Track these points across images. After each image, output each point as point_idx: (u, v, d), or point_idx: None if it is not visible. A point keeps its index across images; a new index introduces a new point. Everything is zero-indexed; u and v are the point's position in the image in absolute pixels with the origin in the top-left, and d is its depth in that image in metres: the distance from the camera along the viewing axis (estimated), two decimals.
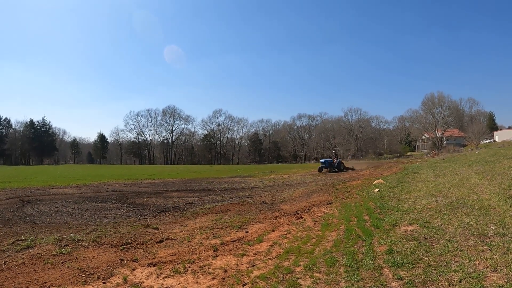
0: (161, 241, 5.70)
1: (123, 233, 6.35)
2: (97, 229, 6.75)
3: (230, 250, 5.04)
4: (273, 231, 6.27)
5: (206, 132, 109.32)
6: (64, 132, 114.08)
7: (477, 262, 3.71)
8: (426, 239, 4.81)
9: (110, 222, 7.60)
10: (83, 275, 4.03)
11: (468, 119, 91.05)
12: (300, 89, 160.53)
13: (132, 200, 11.55)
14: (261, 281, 3.70)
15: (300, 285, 3.57)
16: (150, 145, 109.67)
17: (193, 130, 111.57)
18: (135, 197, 12.41)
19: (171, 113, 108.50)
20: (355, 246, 4.88)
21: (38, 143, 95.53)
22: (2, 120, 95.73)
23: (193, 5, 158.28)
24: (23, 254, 4.99)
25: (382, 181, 13.50)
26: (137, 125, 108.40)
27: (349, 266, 4.01)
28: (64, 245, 5.44)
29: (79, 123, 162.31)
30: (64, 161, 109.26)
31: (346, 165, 30.77)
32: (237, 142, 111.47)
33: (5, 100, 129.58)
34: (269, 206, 9.62)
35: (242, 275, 3.92)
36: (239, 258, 4.61)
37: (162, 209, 9.68)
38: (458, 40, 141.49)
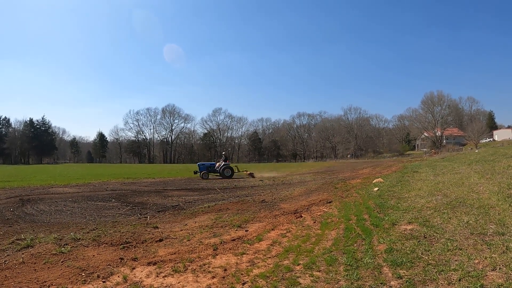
0: (161, 240, 5.70)
1: (123, 232, 6.35)
2: (96, 228, 6.75)
3: (230, 249, 5.04)
4: (272, 230, 6.28)
5: (206, 131, 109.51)
6: (64, 131, 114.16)
7: (476, 261, 3.72)
8: (425, 238, 4.82)
9: (109, 221, 7.61)
10: (83, 274, 4.03)
11: (468, 118, 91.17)
12: (299, 88, 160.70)
13: (132, 199, 11.55)
14: (261, 280, 3.70)
15: (300, 283, 3.58)
16: (149, 144, 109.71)
17: (192, 129, 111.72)
18: (135, 196, 12.41)
19: (170, 112, 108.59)
20: (355, 245, 4.89)
21: (38, 142, 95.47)
22: (1, 119, 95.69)
23: (193, 4, 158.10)
24: (23, 253, 4.99)
25: (382, 180, 13.50)
26: (137, 124, 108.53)
27: (349, 265, 4.01)
28: (64, 244, 5.44)
29: (79, 122, 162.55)
30: (64, 160, 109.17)
31: (246, 172, 25.26)
32: (236, 141, 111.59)
33: (4, 99, 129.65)
34: (268, 205, 9.62)
35: (242, 274, 3.93)
36: (239, 257, 4.61)
37: (162, 208, 9.69)
38: (458, 40, 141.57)
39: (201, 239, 5.72)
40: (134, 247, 5.33)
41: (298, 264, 4.17)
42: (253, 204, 9.90)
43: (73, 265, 4.39)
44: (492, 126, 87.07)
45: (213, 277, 3.87)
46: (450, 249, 4.20)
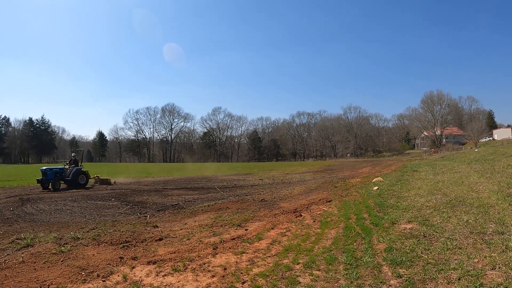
0: (160, 239, 5.71)
1: (122, 231, 6.35)
2: (96, 227, 6.76)
3: (230, 248, 5.04)
4: (272, 229, 6.28)
5: (206, 130, 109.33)
6: (63, 130, 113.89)
7: (476, 260, 3.72)
8: (425, 237, 4.82)
9: (109, 220, 7.61)
10: (83, 273, 4.03)
11: (468, 117, 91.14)
12: (299, 87, 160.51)
13: (132, 198, 11.55)
14: (260, 279, 3.70)
15: (300, 282, 3.58)
16: (149, 143, 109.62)
17: (192, 128, 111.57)
18: (135, 195, 12.41)
19: (170, 111, 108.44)
20: (354, 244, 4.89)
21: (37, 141, 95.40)
22: (1, 118, 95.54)
23: (193, 4, 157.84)
24: (23, 253, 4.99)
25: (381, 179, 13.51)
26: (136, 123, 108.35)
27: (348, 263, 4.02)
28: (64, 244, 5.44)
29: (78, 122, 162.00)
30: (63, 159, 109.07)
31: (100, 178, 18.85)
32: (236, 140, 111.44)
33: (4, 98, 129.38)
34: (268, 204, 9.63)
35: (241, 273, 3.93)
36: (239, 256, 4.62)
37: (162, 207, 9.69)
38: (458, 39, 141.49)
39: (201, 238, 5.72)
40: (134, 246, 5.33)
41: (298, 263, 4.17)
42: (252, 203, 9.90)
43: (73, 264, 4.39)
44: (492, 125, 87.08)
45: (213, 276, 3.87)
46: (449, 248, 4.20)
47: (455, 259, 3.82)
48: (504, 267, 3.45)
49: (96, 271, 4.09)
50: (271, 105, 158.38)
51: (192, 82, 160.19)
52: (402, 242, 4.66)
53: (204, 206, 9.59)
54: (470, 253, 3.94)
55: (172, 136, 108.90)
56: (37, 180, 15.95)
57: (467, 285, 3.16)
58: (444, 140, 79.81)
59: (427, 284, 3.30)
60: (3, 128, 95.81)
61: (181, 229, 6.54)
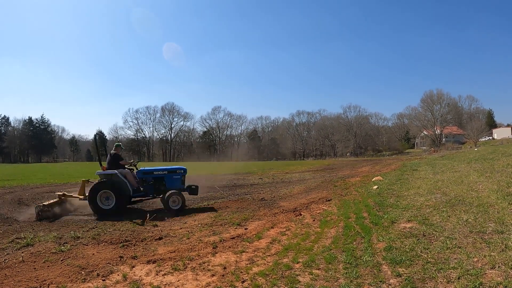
0: (160, 238, 5.71)
1: (122, 231, 6.36)
2: (96, 227, 6.76)
3: (229, 247, 5.05)
4: (272, 228, 6.28)
5: (205, 129, 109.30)
6: (63, 130, 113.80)
7: (475, 259, 3.73)
8: (424, 236, 4.83)
9: (109, 220, 7.60)
10: (83, 273, 4.03)
11: (467, 117, 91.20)
12: (299, 86, 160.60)
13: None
14: (260, 278, 3.71)
15: (299, 281, 3.58)
16: (149, 142, 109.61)
17: (192, 127, 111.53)
18: None
19: (170, 110, 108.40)
20: (354, 243, 4.90)
21: (37, 140, 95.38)
22: (0, 118, 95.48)
23: (192, 3, 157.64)
24: (22, 252, 4.99)
25: (381, 178, 13.52)
26: (136, 122, 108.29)
27: (348, 262, 4.02)
28: (64, 243, 5.45)
29: (78, 121, 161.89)
30: (63, 158, 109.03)
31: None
32: (236, 139, 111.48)
33: (3, 97, 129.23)
34: (268, 203, 9.63)
35: (241, 272, 3.93)
36: (238, 255, 4.62)
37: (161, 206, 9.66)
38: (458, 38, 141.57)
39: (201, 237, 5.72)
40: (134, 245, 5.33)
41: (298, 262, 4.17)
42: (252, 202, 9.90)
43: (73, 263, 4.40)
44: (492, 124, 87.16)
45: (213, 275, 3.87)
46: (449, 247, 4.21)
47: (455, 258, 3.83)
48: (503, 266, 3.45)
49: (96, 270, 4.09)
50: (271, 104, 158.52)
51: (192, 81, 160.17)
52: (401, 241, 4.67)
53: (204, 205, 9.59)
54: (470, 252, 3.94)
55: (172, 135, 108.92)
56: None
57: (466, 284, 3.17)
58: (443, 139, 79.90)
59: (427, 283, 3.31)
60: (2, 128, 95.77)
61: (180, 228, 6.55)
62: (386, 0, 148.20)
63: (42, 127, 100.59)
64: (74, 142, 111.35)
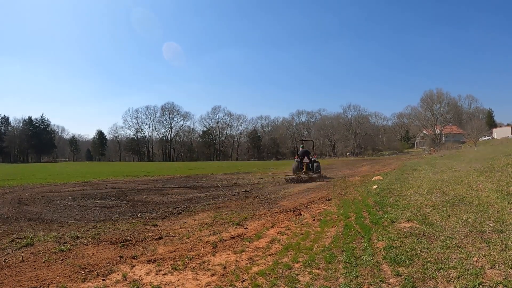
0: (160, 238, 5.71)
1: (122, 230, 6.35)
2: (96, 226, 6.75)
3: (229, 247, 5.05)
4: (272, 227, 6.28)
5: (205, 129, 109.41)
6: (63, 129, 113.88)
7: (475, 259, 3.73)
8: (424, 235, 4.83)
9: (109, 219, 7.60)
10: (83, 272, 4.03)
11: (467, 116, 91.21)
12: (299, 86, 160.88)
13: (131, 197, 11.55)
14: (260, 278, 3.71)
15: (299, 281, 3.58)
16: (149, 142, 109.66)
17: (192, 127, 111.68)
18: (134, 194, 12.41)
19: (169, 110, 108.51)
20: (354, 242, 4.90)
21: (37, 140, 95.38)
22: (0, 117, 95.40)
23: (192, 2, 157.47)
24: (22, 252, 4.98)
25: (381, 178, 13.52)
26: (136, 122, 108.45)
27: (348, 262, 4.02)
28: (64, 243, 5.44)
29: (78, 120, 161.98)
30: (63, 158, 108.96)
31: None
32: (236, 139, 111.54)
33: (3, 97, 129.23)
34: (268, 202, 9.63)
35: (241, 272, 3.93)
36: (238, 255, 4.62)
37: (161, 205, 9.67)
38: (458, 38, 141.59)
39: (201, 237, 5.72)
40: (134, 245, 5.33)
41: (297, 262, 4.17)
42: (252, 201, 9.91)
43: (73, 263, 4.39)
44: (491, 124, 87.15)
45: (213, 274, 3.87)
46: (449, 247, 4.21)
47: (455, 258, 3.83)
48: (503, 266, 3.45)
49: (95, 270, 4.09)
50: (271, 103, 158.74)
51: (192, 80, 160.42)
52: (401, 241, 4.67)
53: (204, 204, 9.59)
54: (470, 252, 3.94)
55: (172, 135, 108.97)
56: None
57: (466, 284, 3.17)
58: (443, 139, 79.93)
59: (427, 283, 3.31)
60: (2, 127, 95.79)
61: (180, 228, 6.54)
62: (386, 0, 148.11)
63: (42, 126, 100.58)
64: (74, 142, 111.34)
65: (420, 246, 4.33)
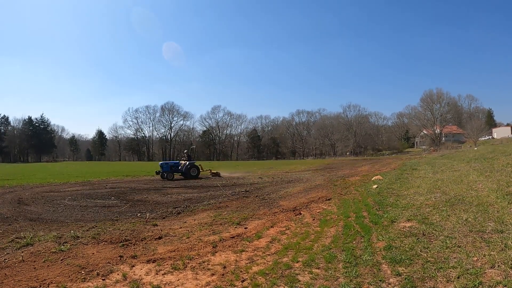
0: (160, 238, 5.71)
1: (122, 230, 6.35)
2: (96, 226, 6.75)
3: (229, 246, 5.05)
4: (272, 227, 6.29)
5: (205, 129, 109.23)
6: (63, 129, 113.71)
7: (475, 259, 3.73)
8: (424, 235, 4.83)
9: (109, 219, 7.60)
10: (83, 272, 4.03)
11: (467, 116, 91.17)
12: (299, 86, 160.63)
13: (131, 197, 11.55)
14: (260, 277, 3.71)
15: (299, 281, 3.58)
16: (148, 142, 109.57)
17: (191, 127, 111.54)
18: (134, 194, 12.41)
19: (169, 110, 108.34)
20: (354, 242, 4.90)
21: (37, 140, 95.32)
22: (0, 117, 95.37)
23: (192, 2, 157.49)
24: (22, 252, 4.98)
25: (381, 177, 13.52)
26: (136, 121, 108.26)
27: (348, 262, 4.02)
28: (64, 242, 5.44)
29: (78, 120, 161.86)
30: (63, 158, 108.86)
31: (209, 170, 22.70)
32: (235, 139, 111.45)
33: (3, 97, 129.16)
34: (267, 202, 9.63)
35: (241, 271, 3.93)
36: (238, 254, 4.62)
37: (161, 205, 9.67)
38: (458, 38, 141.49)
39: (200, 237, 5.72)
40: (134, 244, 5.33)
41: (297, 261, 4.18)
42: (252, 201, 9.91)
43: (73, 263, 4.39)
44: (491, 124, 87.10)
45: (213, 274, 3.88)
46: (449, 246, 4.21)
47: (454, 258, 3.83)
48: (503, 266, 3.45)
49: (95, 270, 4.09)
50: (271, 103, 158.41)
51: (192, 80, 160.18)
52: (401, 241, 4.67)
53: (204, 204, 9.59)
54: (469, 252, 3.94)
55: (172, 135, 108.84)
56: (156, 172, 20.81)
57: (466, 284, 3.17)
58: (443, 138, 79.89)
59: (426, 283, 3.31)
60: (2, 127, 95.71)
61: (180, 228, 6.54)
62: (386, 0, 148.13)
63: (42, 126, 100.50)
64: (73, 142, 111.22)
65: (420, 246, 4.34)
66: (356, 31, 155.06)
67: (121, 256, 4.63)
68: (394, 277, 3.51)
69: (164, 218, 7.78)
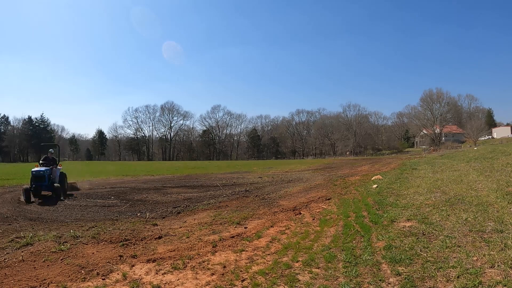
0: (160, 237, 5.71)
1: (122, 230, 6.36)
2: (96, 226, 6.75)
3: (229, 246, 5.05)
4: (271, 226, 6.29)
5: (205, 128, 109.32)
6: (63, 129, 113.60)
7: (475, 258, 3.73)
8: (424, 235, 4.83)
9: (109, 219, 7.61)
10: (83, 272, 4.03)
11: (467, 116, 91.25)
12: (299, 85, 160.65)
13: (131, 197, 11.55)
14: (260, 277, 3.71)
15: (299, 280, 3.59)
16: (148, 141, 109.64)
17: (191, 126, 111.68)
18: (134, 193, 12.41)
19: (169, 109, 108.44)
20: (354, 241, 4.90)
21: (37, 140, 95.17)
22: (0, 117, 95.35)
23: (192, 1, 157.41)
24: (22, 251, 4.99)
25: (381, 177, 13.53)
26: (136, 121, 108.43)
27: (348, 261, 4.03)
28: (63, 242, 5.44)
29: (78, 120, 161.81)
30: (63, 158, 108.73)
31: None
32: (235, 138, 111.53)
33: (3, 97, 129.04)
34: (267, 202, 9.63)
35: (241, 271, 3.93)
36: (238, 254, 4.62)
37: (161, 205, 9.67)
38: (458, 37, 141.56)
39: (200, 236, 5.72)
40: (134, 244, 5.33)
41: (297, 261, 4.18)
42: (252, 201, 9.91)
43: (73, 262, 4.39)
44: (491, 123, 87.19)
45: (212, 274, 3.88)
46: (448, 246, 4.21)
47: (454, 257, 3.83)
48: (503, 265, 3.45)
49: (95, 270, 4.09)
50: (271, 103, 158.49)
51: (191, 79, 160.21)
52: (401, 240, 4.67)
53: (204, 204, 9.59)
54: (469, 251, 3.94)
55: (172, 134, 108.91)
56: (25, 189, 10.32)
57: (466, 283, 3.17)
58: (443, 138, 79.98)
59: (426, 282, 3.31)
60: (2, 127, 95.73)
61: (180, 227, 6.55)
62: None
63: (42, 126, 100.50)
64: (73, 141, 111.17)
65: (419, 246, 4.34)
66: (356, 30, 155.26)
67: (121, 256, 4.63)
68: (394, 276, 3.51)
69: (164, 217, 7.78)
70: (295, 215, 7.34)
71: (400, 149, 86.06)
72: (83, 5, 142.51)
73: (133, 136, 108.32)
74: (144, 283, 3.66)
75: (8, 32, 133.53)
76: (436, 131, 79.28)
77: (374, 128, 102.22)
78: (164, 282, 3.68)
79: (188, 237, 5.70)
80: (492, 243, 4.13)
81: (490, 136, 77.09)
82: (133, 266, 4.24)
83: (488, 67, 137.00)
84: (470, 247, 4.12)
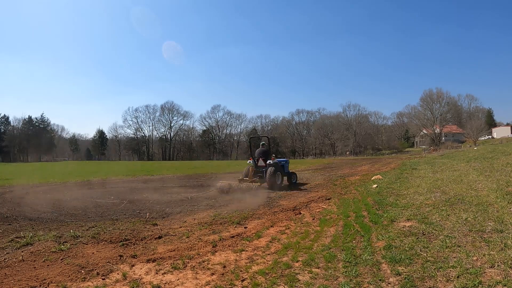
0: (160, 237, 5.71)
1: (122, 229, 6.35)
2: (96, 226, 6.75)
3: (229, 246, 5.05)
4: (271, 226, 6.29)
5: (205, 128, 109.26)
6: (63, 129, 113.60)
7: (475, 258, 3.73)
8: (424, 234, 4.83)
9: (109, 219, 7.60)
10: (83, 272, 4.03)
11: (467, 116, 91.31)
12: (299, 85, 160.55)
13: (131, 196, 11.54)
14: (260, 277, 3.71)
15: (299, 280, 3.59)
16: (148, 141, 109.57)
17: (191, 126, 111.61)
18: (134, 193, 12.40)
19: (169, 109, 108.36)
20: (354, 241, 4.90)
21: (37, 140, 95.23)
22: (0, 117, 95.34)
23: (192, 1, 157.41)
24: (22, 251, 4.98)
25: (381, 177, 13.53)
26: (136, 121, 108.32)
27: (348, 261, 4.03)
28: (63, 242, 5.44)
29: (78, 120, 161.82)
30: (63, 157, 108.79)
31: None
32: (235, 138, 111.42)
33: (3, 97, 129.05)
34: (267, 202, 9.63)
35: (241, 271, 3.93)
36: (238, 254, 4.62)
37: (161, 205, 9.66)
38: (458, 37, 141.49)
39: (200, 236, 5.72)
40: (133, 244, 5.33)
41: (297, 261, 4.18)
42: (252, 201, 9.89)
43: (73, 262, 4.39)
44: (491, 123, 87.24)
45: (212, 274, 3.88)
46: (448, 246, 4.21)
47: (454, 257, 3.83)
48: (503, 265, 3.46)
49: (95, 269, 4.09)
50: (271, 103, 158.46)
51: (191, 79, 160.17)
52: (401, 240, 4.67)
53: (204, 204, 9.58)
54: (469, 251, 3.95)
55: (172, 134, 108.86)
56: None
57: (466, 283, 3.18)
58: (443, 138, 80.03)
59: (426, 282, 3.31)
60: (2, 127, 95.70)
61: (180, 227, 6.54)
62: None
63: (42, 126, 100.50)
64: (73, 141, 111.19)
65: (419, 245, 4.34)
66: (357, 30, 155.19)
67: (121, 256, 4.63)
68: (394, 276, 3.51)
69: (164, 217, 7.78)
70: (295, 215, 7.35)
71: (400, 149, 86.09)
72: (83, 5, 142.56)
73: (133, 136, 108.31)
74: (144, 283, 3.66)
75: (8, 32, 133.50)
76: (436, 131, 79.33)
77: (374, 128, 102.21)
78: (164, 282, 3.68)
79: (188, 237, 5.70)
80: (492, 243, 4.14)
81: (490, 136, 77.14)
82: (133, 266, 4.24)
83: (488, 67, 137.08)
84: (470, 247, 4.12)
